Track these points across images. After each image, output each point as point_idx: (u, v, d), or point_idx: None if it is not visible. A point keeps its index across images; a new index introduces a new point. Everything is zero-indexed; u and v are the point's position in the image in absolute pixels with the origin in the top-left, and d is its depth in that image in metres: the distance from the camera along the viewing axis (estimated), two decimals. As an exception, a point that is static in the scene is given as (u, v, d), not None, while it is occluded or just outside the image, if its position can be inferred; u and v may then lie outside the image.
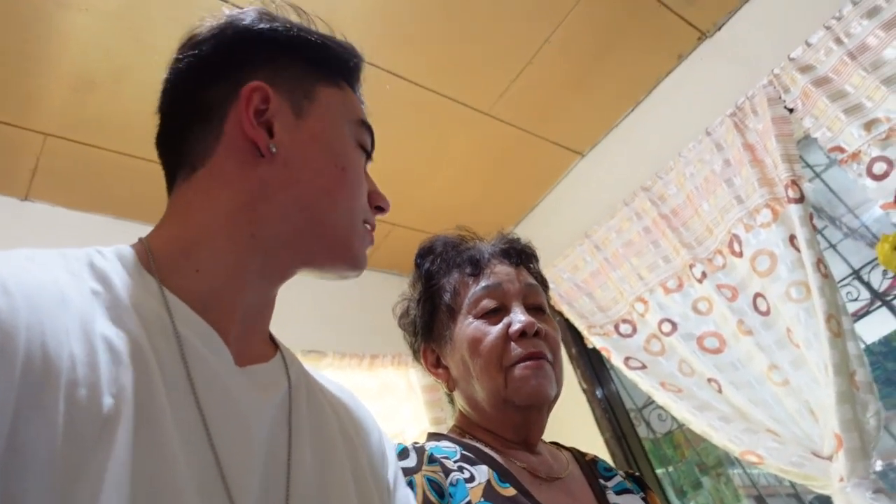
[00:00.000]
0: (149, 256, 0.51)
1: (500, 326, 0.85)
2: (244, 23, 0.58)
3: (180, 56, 0.58)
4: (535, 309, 0.89)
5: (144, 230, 0.54)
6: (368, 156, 0.65)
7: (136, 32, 1.55)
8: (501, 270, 0.91)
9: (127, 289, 0.46)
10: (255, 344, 0.57)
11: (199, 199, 0.54)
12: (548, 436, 0.92)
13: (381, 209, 0.65)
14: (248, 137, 0.55)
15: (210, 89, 0.57)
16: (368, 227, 0.62)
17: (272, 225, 0.54)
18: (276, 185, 0.55)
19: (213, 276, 0.52)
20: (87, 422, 0.37)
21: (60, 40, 1.51)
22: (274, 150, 0.55)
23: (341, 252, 0.58)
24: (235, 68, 0.57)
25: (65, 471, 0.35)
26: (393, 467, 0.67)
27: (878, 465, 1.78)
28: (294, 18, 0.62)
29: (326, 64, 0.62)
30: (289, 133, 0.56)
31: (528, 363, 0.82)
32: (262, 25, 0.58)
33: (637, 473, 0.97)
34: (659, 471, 2.19)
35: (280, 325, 0.63)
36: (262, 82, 0.56)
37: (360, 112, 0.64)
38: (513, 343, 0.83)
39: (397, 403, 2.33)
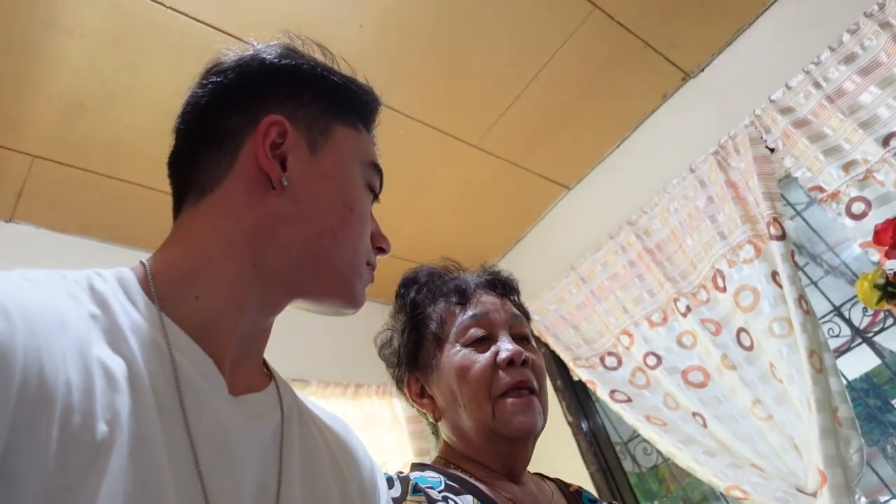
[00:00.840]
0: (149, 280, 0.51)
1: (488, 355, 0.85)
2: (270, 57, 0.59)
3: (204, 81, 0.59)
4: (520, 338, 0.90)
5: (130, 255, 0.54)
6: (376, 197, 0.66)
7: (128, 58, 1.56)
8: (488, 300, 0.92)
9: (125, 314, 0.46)
10: (249, 372, 0.57)
11: (205, 224, 0.55)
12: (532, 467, 0.91)
13: (382, 250, 0.65)
14: (261, 168, 0.55)
15: (229, 117, 0.57)
16: (370, 267, 0.63)
17: (275, 257, 0.55)
18: (284, 219, 0.55)
19: (212, 304, 0.52)
20: (80, 449, 0.37)
21: (52, 63, 1.52)
22: (285, 183, 0.55)
23: (341, 290, 0.59)
24: (257, 100, 0.58)
25: (56, 497, 0.35)
26: (384, 499, 0.66)
27: (862, 502, 1.78)
28: (319, 56, 0.63)
29: (346, 104, 0.63)
30: (302, 168, 0.57)
31: (516, 400, 0.82)
32: (286, 61, 0.59)
33: None
34: (644, 506, 2.16)
35: (265, 353, 0.62)
36: (281, 116, 0.57)
37: (372, 154, 0.65)
38: (501, 371, 0.83)
39: (381, 434, 2.30)
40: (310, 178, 0.57)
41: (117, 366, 0.42)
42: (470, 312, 0.89)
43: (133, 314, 0.47)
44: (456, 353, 0.86)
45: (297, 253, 0.55)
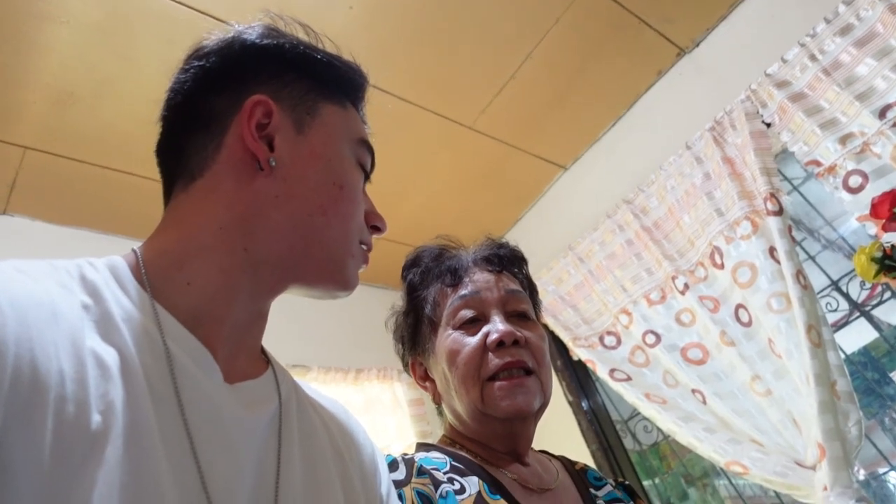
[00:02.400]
0: (140, 268, 0.50)
1: (477, 337, 0.83)
2: (251, 38, 0.59)
3: (186, 66, 0.58)
4: (517, 316, 0.87)
5: (124, 244, 0.54)
6: (367, 176, 0.65)
7: (118, 46, 1.54)
8: (480, 278, 0.89)
9: (117, 303, 0.46)
10: (245, 360, 0.56)
11: (195, 210, 0.54)
12: (534, 447, 0.91)
13: (377, 229, 0.64)
14: (248, 150, 0.55)
15: (214, 100, 0.57)
16: (364, 247, 0.62)
17: (266, 240, 0.54)
18: (273, 200, 0.54)
19: (204, 290, 0.51)
20: (74, 439, 0.37)
21: (41, 53, 1.50)
22: (273, 163, 0.55)
23: (333, 272, 0.58)
24: (240, 81, 0.58)
25: (52, 489, 0.35)
26: (385, 482, 0.66)
27: (861, 475, 1.80)
28: (302, 36, 0.62)
29: (331, 82, 0.62)
30: (289, 148, 0.56)
31: (504, 383, 0.80)
32: (268, 41, 0.59)
33: (627, 482, 0.96)
34: (646, 482, 2.19)
35: (264, 340, 0.62)
36: (265, 96, 0.56)
37: (361, 132, 0.64)
38: (490, 354, 0.81)
39: (383, 417, 2.31)
40: (298, 157, 0.57)
41: (110, 356, 0.42)
42: (460, 293, 0.87)
43: (125, 303, 0.46)
44: (447, 337, 0.85)
45: (288, 234, 0.55)
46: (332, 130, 0.60)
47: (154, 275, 0.50)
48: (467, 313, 0.85)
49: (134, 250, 0.52)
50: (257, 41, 0.59)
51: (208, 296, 0.51)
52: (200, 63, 0.57)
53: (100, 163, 1.81)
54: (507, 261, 0.94)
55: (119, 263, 0.50)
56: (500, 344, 0.81)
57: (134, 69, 1.60)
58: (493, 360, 0.81)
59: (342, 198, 0.58)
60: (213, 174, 0.55)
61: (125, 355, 0.43)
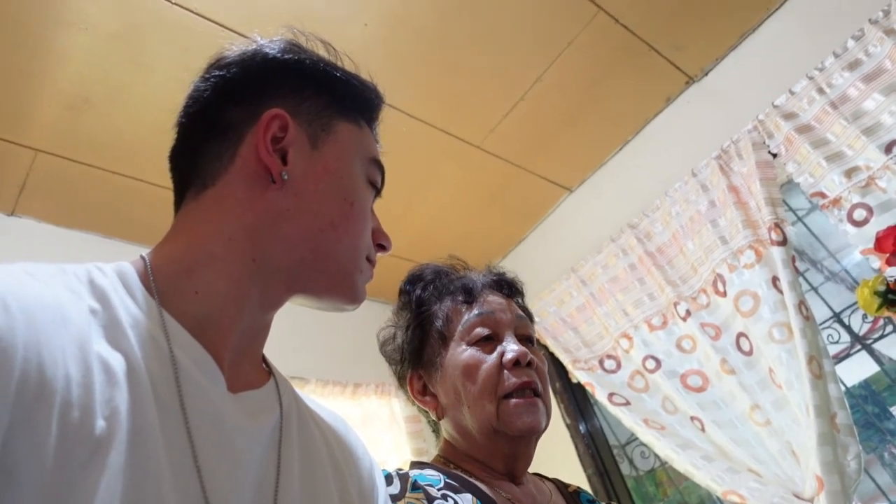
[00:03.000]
0: (149, 275, 0.50)
1: (494, 355, 0.85)
2: (273, 52, 0.59)
3: (206, 75, 0.59)
4: (525, 340, 0.90)
5: (131, 250, 0.54)
6: (378, 193, 0.66)
7: (134, 54, 1.56)
8: (494, 300, 0.92)
9: (125, 309, 0.46)
10: (248, 369, 0.57)
11: (205, 219, 0.54)
12: (530, 469, 0.91)
13: (382, 248, 0.65)
14: (262, 162, 0.55)
15: (231, 111, 0.57)
16: (370, 262, 0.62)
17: (275, 252, 0.54)
18: (284, 213, 0.55)
19: (212, 299, 0.51)
20: (79, 444, 0.37)
21: (58, 58, 1.52)
22: (286, 177, 0.55)
23: (343, 286, 0.58)
24: (259, 93, 0.58)
25: (55, 493, 0.35)
26: (383, 497, 0.66)
27: (859, 509, 1.78)
28: (322, 53, 0.63)
29: (348, 100, 0.63)
30: (302, 163, 0.57)
31: (521, 401, 0.82)
32: (289, 56, 0.59)
33: None
34: (641, 509, 2.16)
35: (263, 351, 0.62)
36: (282, 110, 0.57)
37: (374, 150, 0.65)
38: (506, 372, 0.84)
39: (379, 433, 2.30)
40: (310, 172, 0.57)
41: (116, 361, 0.42)
42: (476, 311, 0.89)
43: (133, 309, 0.46)
44: (462, 352, 0.86)
45: (298, 247, 0.55)
46: (346, 147, 0.61)
47: (162, 282, 0.50)
48: (483, 331, 0.87)
49: (142, 256, 0.53)
50: (279, 56, 0.59)
51: (216, 305, 0.52)
52: (221, 73, 0.58)
53: (110, 168, 1.83)
54: (514, 289, 0.98)
55: (128, 269, 0.50)
56: (515, 363, 0.84)
57: (148, 77, 1.62)
58: (511, 379, 0.83)
59: (352, 214, 0.59)
60: (226, 184, 0.55)
61: (132, 361, 0.43)
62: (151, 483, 0.40)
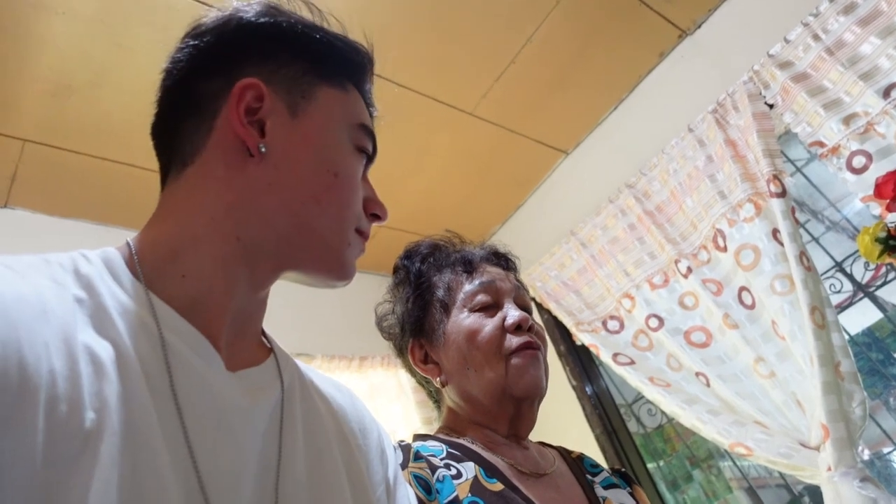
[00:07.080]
0: (134, 260, 0.49)
1: (496, 318, 0.88)
2: (248, 16, 0.56)
3: (182, 45, 0.56)
4: (524, 309, 0.93)
5: (125, 235, 0.52)
6: (370, 160, 0.62)
7: (114, 36, 1.53)
8: (493, 270, 0.95)
9: (112, 295, 0.45)
10: (247, 347, 0.55)
11: (187, 199, 0.53)
12: (538, 433, 0.92)
13: (377, 217, 0.62)
14: (238, 136, 0.53)
15: (206, 82, 0.55)
16: (361, 236, 0.60)
17: (258, 229, 0.52)
18: (263, 188, 0.53)
19: (200, 282, 0.50)
20: (68, 439, 0.36)
21: (37, 44, 1.49)
22: (264, 150, 0.53)
23: (328, 261, 0.56)
24: (233, 62, 0.55)
25: (46, 490, 0.34)
26: (393, 465, 0.66)
27: (865, 454, 1.81)
28: (306, 15, 0.60)
29: (331, 63, 0.59)
30: (281, 133, 0.54)
31: (525, 352, 0.86)
32: (264, 19, 0.56)
33: (622, 469, 1.00)
34: (650, 465, 2.20)
35: (267, 328, 0.61)
36: (256, 79, 0.54)
37: (362, 115, 0.62)
38: (509, 334, 0.87)
39: (387, 404, 2.33)
40: (290, 143, 0.54)
41: (104, 350, 0.41)
42: (478, 280, 0.92)
43: (120, 295, 0.45)
44: (465, 318, 0.89)
45: (281, 223, 0.53)
46: (329, 114, 0.58)
47: (148, 266, 0.49)
48: (484, 298, 0.90)
49: (128, 242, 0.51)
50: (254, 19, 0.56)
51: (205, 287, 0.50)
52: (195, 42, 0.55)
53: (99, 154, 1.81)
54: (510, 263, 1.02)
55: (113, 255, 0.49)
56: (517, 327, 0.87)
57: (131, 59, 1.59)
58: (512, 339, 0.86)
59: (336, 185, 0.56)
60: (204, 161, 0.53)
61: (121, 348, 0.42)
62: (149, 470, 0.39)
